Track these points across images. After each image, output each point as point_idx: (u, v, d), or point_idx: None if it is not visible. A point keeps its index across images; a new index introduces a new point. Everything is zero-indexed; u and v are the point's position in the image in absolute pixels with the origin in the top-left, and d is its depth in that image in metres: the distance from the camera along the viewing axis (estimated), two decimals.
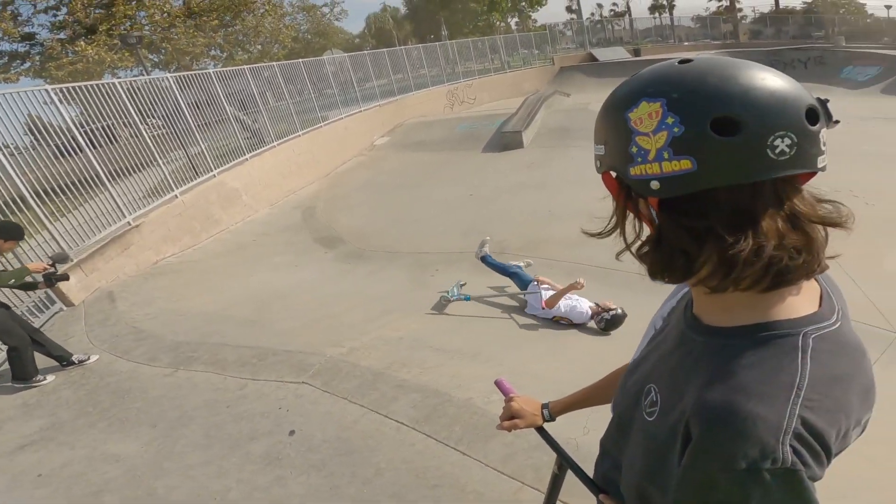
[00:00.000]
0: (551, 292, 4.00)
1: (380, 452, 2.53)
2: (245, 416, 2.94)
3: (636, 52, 25.84)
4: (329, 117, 11.93)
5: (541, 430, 1.27)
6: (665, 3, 44.57)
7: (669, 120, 0.53)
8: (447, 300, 4.43)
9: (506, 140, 10.74)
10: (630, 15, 41.72)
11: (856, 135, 8.69)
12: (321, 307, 4.49)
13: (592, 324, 3.89)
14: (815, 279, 0.64)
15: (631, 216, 0.65)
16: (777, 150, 0.51)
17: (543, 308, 3.98)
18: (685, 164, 0.53)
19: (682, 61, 0.57)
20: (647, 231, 0.65)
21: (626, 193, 0.63)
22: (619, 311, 3.73)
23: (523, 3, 40.16)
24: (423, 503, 2.26)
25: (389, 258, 5.82)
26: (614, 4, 52.02)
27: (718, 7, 41.39)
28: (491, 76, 21.40)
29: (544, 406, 1.26)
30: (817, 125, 0.53)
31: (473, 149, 11.14)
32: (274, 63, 10.56)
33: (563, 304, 3.91)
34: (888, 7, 33.64)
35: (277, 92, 10.32)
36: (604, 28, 33.26)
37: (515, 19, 44.50)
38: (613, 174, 0.63)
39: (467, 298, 4.43)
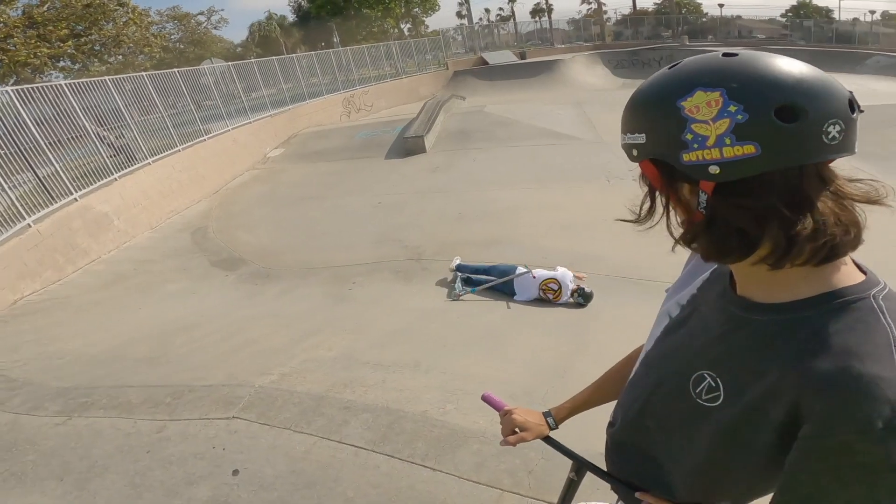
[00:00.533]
0: (541, 269, 4.51)
1: (343, 481, 2.42)
2: (174, 459, 2.66)
3: (522, 55, 27.68)
4: (213, 130, 11.18)
5: (549, 440, 1.26)
6: (544, 7, 48.45)
7: (732, 108, 0.57)
8: (457, 296, 4.59)
9: (408, 145, 10.92)
10: (515, 19, 44.72)
11: None
12: (235, 335, 4.20)
13: (570, 299, 4.36)
14: None
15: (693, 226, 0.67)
16: (829, 136, 0.57)
17: (534, 278, 4.44)
18: (749, 150, 0.57)
19: (727, 54, 0.61)
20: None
21: (671, 178, 0.66)
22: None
23: (416, 9, 41.19)
24: None
25: (301, 275, 5.61)
26: (500, 9, 55.27)
27: (588, 10, 46.47)
28: (387, 82, 21.58)
29: (546, 414, 1.24)
30: (855, 113, 0.59)
31: (376, 156, 11.16)
32: (143, 73, 9.64)
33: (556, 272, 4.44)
34: (721, 6, 39.88)
35: (148, 104, 9.43)
36: (491, 32, 35.28)
37: (408, 25, 45.47)
38: (660, 162, 0.65)
39: (473, 290, 4.65)
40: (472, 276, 4.83)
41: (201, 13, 39.29)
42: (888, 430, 0.55)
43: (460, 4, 52.93)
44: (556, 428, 1.23)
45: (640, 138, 0.65)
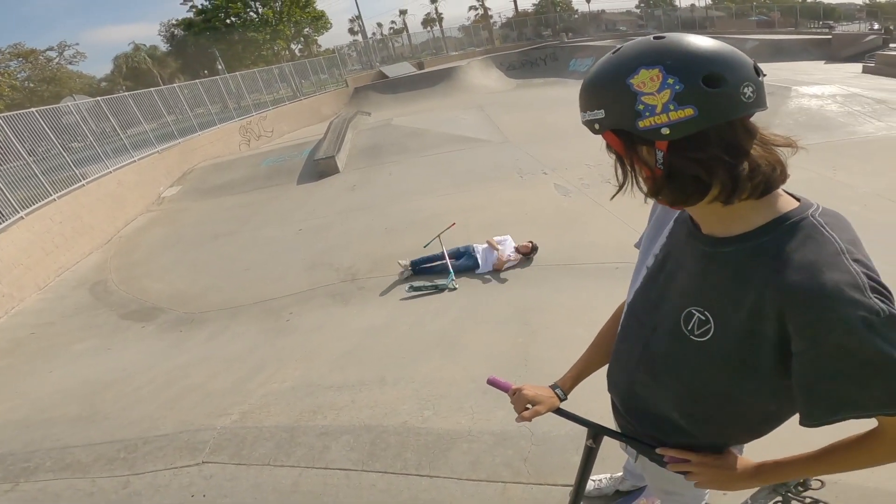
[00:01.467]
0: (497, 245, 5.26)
1: None
2: None
3: (420, 66, 28.49)
4: (91, 173, 10.28)
5: (560, 412, 1.33)
6: (435, 16, 50.28)
7: (670, 80, 0.73)
8: (451, 289, 4.97)
9: (320, 167, 10.86)
10: (408, 31, 45.91)
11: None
12: (174, 382, 3.98)
13: (515, 254, 5.20)
14: None
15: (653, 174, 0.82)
16: (746, 96, 0.73)
17: (495, 252, 5.19)
18: (689, 112, 0.72)
19: (657, 37, 0.77)
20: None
21: (631, 143, 0.81)
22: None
23: (308, 29, 40.73)
24: None
25: (230, 315, 5.39)
26: (392, 22, 56.43)
27: (476, 16, 49.18)
28: (286, 105, 21.15)
29: (554, 387, 1.32)
30: (761, 76, 0.76)
31: (287, 182, 10.95)
32: None
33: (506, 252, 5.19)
34: (588, 1, 44.21)
35: (6, 151, 8.29)
36: (386, 46, 35.94)
37: (300, 46, 44.80)
38: (621, 131, 0.80)
39: (451, 277, 5.12)
40: (427, 265, 5.41)
41: (51, 48, 36.57)
42: (867, 325, 0.68)
43: (352, 21, 53.27)
44: (566, 398, 1.32)
45: (600, 114, 0.80)
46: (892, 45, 15.10)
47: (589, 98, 0.82)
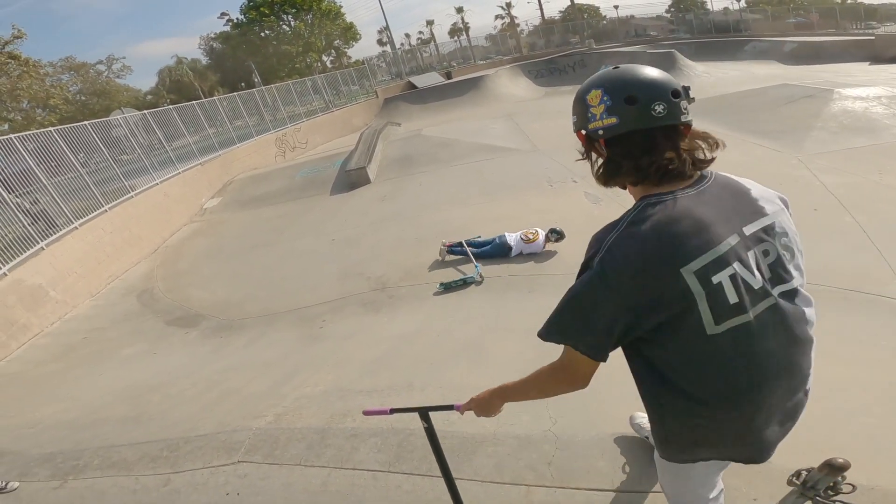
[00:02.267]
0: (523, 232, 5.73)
1: None
2: None
3: (448, 75, 28.71)
4: (139, 185, 10.83)
5: (394, 410, 1.98)
6: (462, 26, 50.66)
7: (605, 98, 1.06)
8: (478, 282, 5.31)
9: (352, 178, 11.07)
10: (435, 41, 46.44)
11: None
12: (213, 387, 4.16)
13: (549, 238, 5.59)
14: (724, 180, 1.16)
15: (598, 157, 1.20)
16: (656, 112, 1.03)
17: (515, 234, 5.74)
18: (612, 120, 1.07)
19: (614, 68, 1.12)
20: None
21: (588, 140, 1.18)
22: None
23: (338, 41, 41.76)
24: None
25: (267, 322, 5.58)
26: (420, 32, 57.19)
27: (503, 24, 49.22)
28: (318, 117, 21.70)
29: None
30: (678, 98, 1.04)
31: (321, 193, 11.22)
32: (51, 129, 9.13)
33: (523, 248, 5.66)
34: (616, 7, 43.61)
35: (61, 163, 8.80)
36: (414, 56, 36.43)
37: (331, 57, 45.97)
38: (583, 131, 1.17)
39: (478, 267, 5.51)
40: (459, 248, 5.96)
41: (100, 62, 37.90)
42: (582, 269, 1.13)
43: (380, 32, 54.28)
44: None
45: (574, 119, 1.19)
46: None
47: (571, 108, 1.19)
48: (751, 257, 1.02)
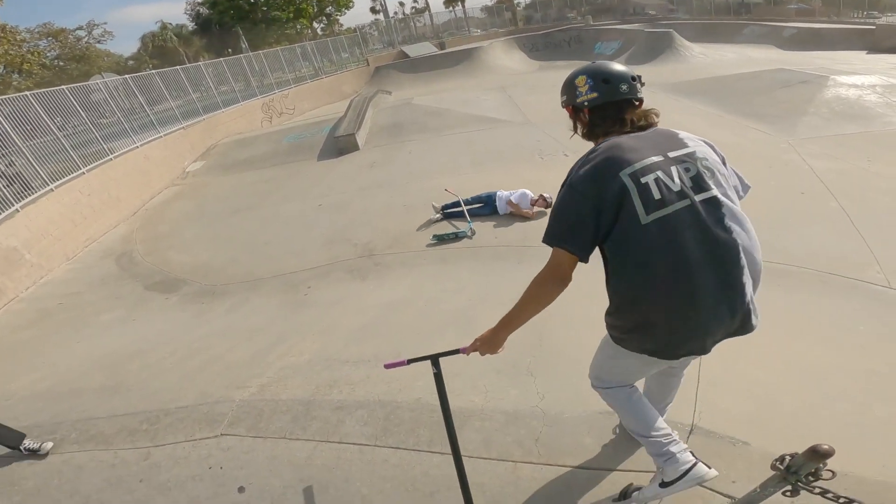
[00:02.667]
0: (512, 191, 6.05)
1: (355, 480, 2.42)
2: (171, 485, 2.56)
3: (441, 46, 28.04)
4: (119, 148, 10.45)
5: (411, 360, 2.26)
6: None
7: (590, 81, 1.61)
8: (470, 236, 5.60)
9: (340, 144, 10.82)
10: (430, 11, 45.06)
11: None
12: (196, 354, 4.04)
13: (535, 208, 5.86)
14: (666, 133, 1.56)
15: (582, 123, 1.69)
16: (622, 90, 1.59)
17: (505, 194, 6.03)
18: (594, 95, 1.61)
19: (592, 63, 1.67)
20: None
21: (575, 111, 1.69)
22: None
23: (330, 7, 40.37)
24: None
25: (250, 287, 5.45)
26: (415, 1, 55.41)
27: None
28: (307, 83, 21.15)
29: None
30: (635, 82, 1.58)
31: (308, 158, 10.95)
32: (27, 93, 8.77)
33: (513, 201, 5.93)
34: None
35: (36, 127, 8.49)
36: (408, 25, 35.39)
37: (322, 24, 44.52)
38: (571, 106, 1.70)
39: (471, 223, 5.81)
40: (453, 209, 6.19)
41: (80, 28, 36.98)
42: (562, 186, 1.54)
43: (373, 0, 52.45)
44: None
45: (564, 97, 1.73)
46: None
47: (561, 91, 1.74)
48: (673, 171, 1.40)
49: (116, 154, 10.23)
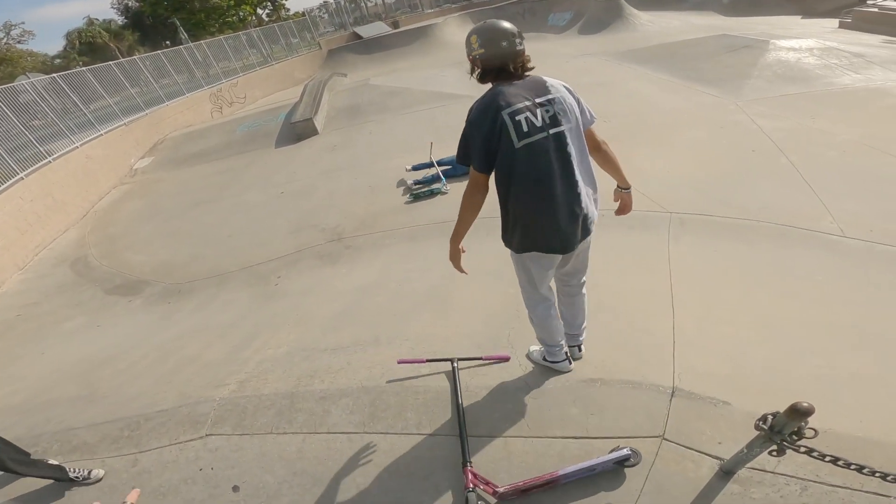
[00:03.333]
0: None
1: (347, 469, 2.39)
2: (165, 490, 2.47)
3: (395, 25, 27.35)
4: (57, 150, 9.78)
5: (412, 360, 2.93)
6: None
7: (479, 39, 1.94)
8: (444, 192, 6.06)
9: (298, 130, 10.47)
10: None
11: (574, 71, 11.07)
12: (168, 356, 3.87)
13: None
14: (539, 81, 1.99)
15: (476, 70, 2.04)
16: (502, 45, 1.91)
17: None
18: (482, 50, 1.94)
19: (484, 22, 1.97)
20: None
21: (472, 61, 2.01)
22: None
23: None
24: (427, 497, 2.19)
25: (218, 283, 5.24)
26: None
27: None
28: (256, 71, 20.30)
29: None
30: (515, 38, 1.92)
31: (265, 146, 10.55)
32: None
33: None
34: None
35: None
36: (359, 6, 34.21)
37: (267, 10, 42.56)
38: (470, 56, 2.01)
39: (444, 179, 6.30)
40: (422, 168, 6.78)
41: None
42: (467, 118, 1.97)
43: None
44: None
45: (467, 50, 2.03)
46: (868, 2, 14.84)
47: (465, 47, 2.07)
48: (538, 112, 1.90)
49: (55, 156, 9.57)
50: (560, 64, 12.07)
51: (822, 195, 4.73)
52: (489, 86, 2.00)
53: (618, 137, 6.88)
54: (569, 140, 1.95)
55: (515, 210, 2.04)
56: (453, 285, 4.06)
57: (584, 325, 2.65)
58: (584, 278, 2.47)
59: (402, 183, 6.60)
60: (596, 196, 2.14)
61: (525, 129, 1.88)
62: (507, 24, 1.93)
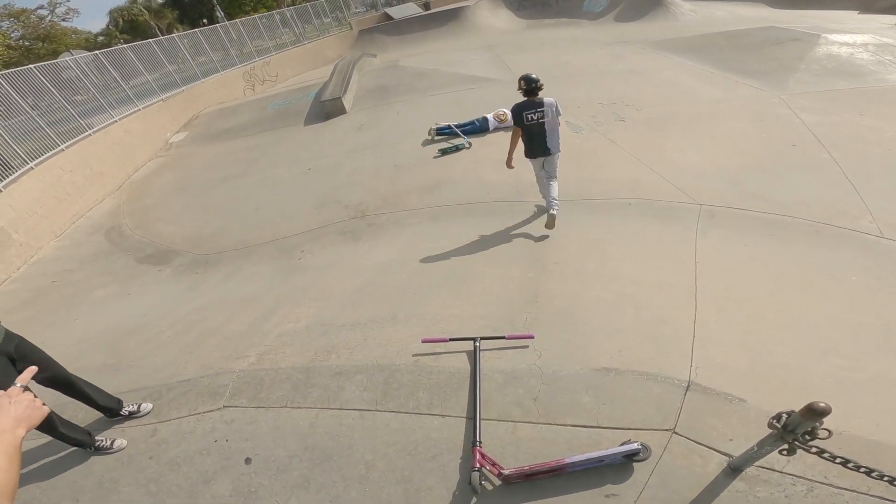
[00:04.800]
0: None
1: (358, 446, 2.41)
2: (180, 461, 2.54)
3: (426, 6, 26.93)
4: (96, 124, 10.03)
5: (452, 338, 3.06)
6: None
7: (521, 82, 4.44)
8: (467, 147, 6.99)
9: (327, 109, 10.49)
10: None
11: (606, 58, 10.71)
12: (193, 327, 3.97)
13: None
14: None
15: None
16: (532, 86, 4.32)
17: (496, 120, 7.60)
18: (524, 87, 4.40)
19: (525, 75, 4.45)
20: None
21: (519, 88, 4.51)
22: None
23: None
24: (433, 478, 2.19)
25: (244, 255, 5.34)
26: None
27: None
28: (289, 50, 20.36)
29: None
30: (538, 82, 4.33)
31: (294, 124, 10.63)
32: None
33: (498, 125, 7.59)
34: None
35: (8, 107, 8.00)
36: None
37: None
38: (519, 88, 4.55)
39: (466, 136, 7.36)
40: (447, 131, 7.54)
41: (41, 7, 35.54)
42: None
43: None
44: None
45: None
46: None
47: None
48: (535, 113, 4.27)
49: (95, 129, 9.83)
50: (592, 51, 11.71)
51: (864, 193, 4.50)
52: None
53: (648, 126, 6.66)
54: (546, 126, 4.32)
55: (525, 144, 4.46)
56: (473, 266, 4.05)
57: (556, 200, 4.42)
58: (553, 174, 4.52)
59: (427, 143, 7.52)
60: (557, 143, 4.44)
61: (530, 119, 4.31)
62: (534, 76, 4.28)
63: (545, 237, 4.33)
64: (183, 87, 13.88)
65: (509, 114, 7.26)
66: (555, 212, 4.30)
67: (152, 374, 3.38)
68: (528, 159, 4.50)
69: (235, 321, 3.95)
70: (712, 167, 5.33)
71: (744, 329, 2.88)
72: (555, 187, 4.45)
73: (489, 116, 7.60)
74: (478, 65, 11.95)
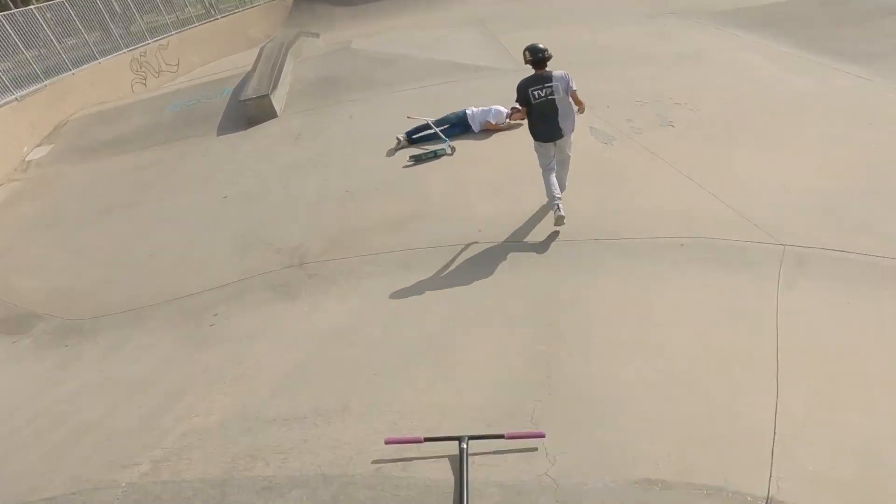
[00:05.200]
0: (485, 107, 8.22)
1: None
2: None
3: None
4: None
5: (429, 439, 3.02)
6: None
7: (526, 52, 5.34)
8: (449, 153, 7.49)
9: (250, 110, 10.79)
10: None
11: (646, 38, 11.12)
12: (61, 422, 3.96)
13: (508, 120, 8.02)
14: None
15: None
16: (536, 56, 5.16)
17: (476, 111, 8.17)
18: (527, 55, 5.34)
19: (530, 45, 5.44)
20: None
21: (525, 60, 5.41)
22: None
23: None
24: None
25: (132, 320, 5.41)
26: None
27: None
28: (195, 27, 20.85)
29: None
30: (545, 51, 5.14)
31: (205, 133, 10.88)
32: None
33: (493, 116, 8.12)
34: None
35: None
36: None
37: None
38: (524, 60, 5.55)
39: (447, 140, 7.68)
40: (420, 134, 8.03)
41: None
42: None
43: None
44: None
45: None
46: None
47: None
48: (542, 90, 5.10)
49: None
50: (626, 26, 12.11)
51: None
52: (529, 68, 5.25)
53: (707, 133, 6.80)
54: (557, 103, 5.10)
55: (531, 125, 5.32)
56: (460, 335, 4.10)
57: (560, 198, 5.18)
58: (566, 156, 5.52)
59: (391, 153, 7.87)
60: (572, 123, 5.30)
61: (536, 97, 5.10)
62: (541, 44, 5.09)
63: (562, 293, 4.38)
64: (45, 82, 14.02)
65: (505, 110, 8.10)
66: (562, 213, 5.06)
67: (3, 489, 3.35)
68: (537, 143, 5.39)
69: (121, 413, 3.96)
70: (799, 191, 5.34)
71: (847, 422, 2.89)
72: (564, 179, 5.67)
73: (473, 112, 8.14)
74: (465, 47, 12.45)
